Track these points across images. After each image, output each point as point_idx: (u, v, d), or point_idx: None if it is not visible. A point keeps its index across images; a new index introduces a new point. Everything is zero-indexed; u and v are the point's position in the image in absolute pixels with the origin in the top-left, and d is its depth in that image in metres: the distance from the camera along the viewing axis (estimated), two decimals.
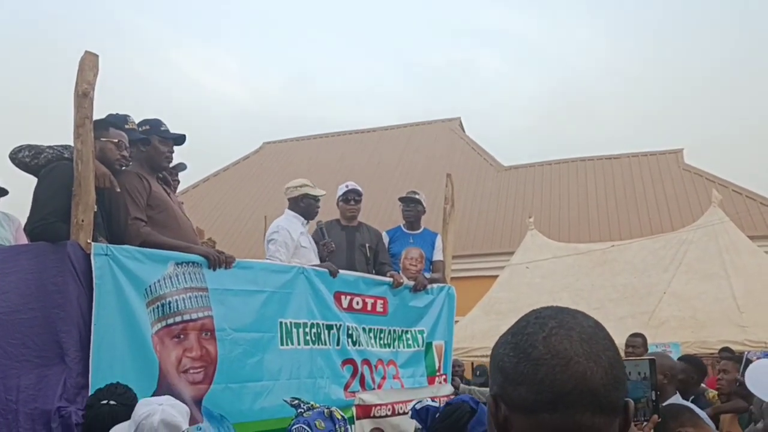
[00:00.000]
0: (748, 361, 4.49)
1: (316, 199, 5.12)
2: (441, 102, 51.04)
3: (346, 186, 5.50)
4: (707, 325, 8.18)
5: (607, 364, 0.91)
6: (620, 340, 6.75)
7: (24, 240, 3.96)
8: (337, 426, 2.83)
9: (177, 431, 2.43)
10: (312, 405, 2.98)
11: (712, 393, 5.67)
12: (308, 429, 2.77)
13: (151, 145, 3.86)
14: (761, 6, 47.39)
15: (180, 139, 4.00)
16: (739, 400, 4.79)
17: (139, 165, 3.87)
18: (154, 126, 3.91)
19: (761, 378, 1.86)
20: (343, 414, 3.02)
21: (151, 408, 2.49)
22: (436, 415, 3.37)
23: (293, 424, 2.85)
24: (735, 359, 5.53)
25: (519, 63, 56.81)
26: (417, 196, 5.82)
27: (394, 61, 58.84)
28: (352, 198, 5.44)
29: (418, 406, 3.50)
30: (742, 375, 4.46)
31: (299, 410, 2.94)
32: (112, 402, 2.58)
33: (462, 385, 6.21)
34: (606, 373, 0.90)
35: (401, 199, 5.90)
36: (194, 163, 5.15)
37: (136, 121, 3.90)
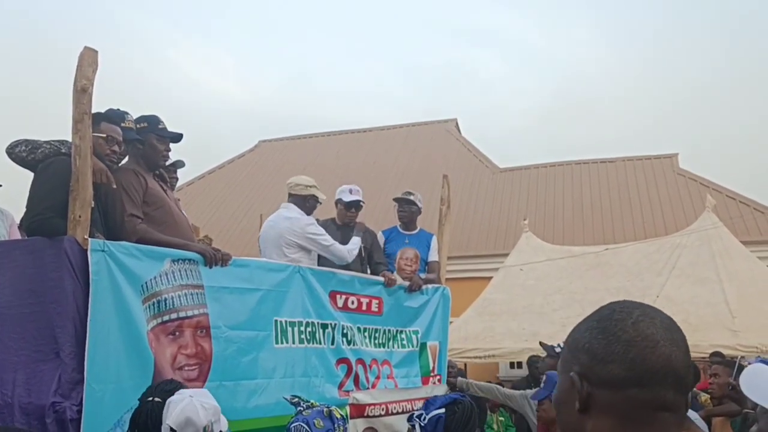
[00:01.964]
0: (741, 367, 4.53)
1: (319, 202, 5.13)
2: (438, 103, 51.07)
3: (351, 192, 5.46)
4: (700, 329, 8.22)
5: (685, 351, 1.03)
6: None
7: (18, 235, 3.96)
8: (336, 425, 2.83)
9: (191, 425, 2.44)
10: (312, 403, 2.98)
11: (704, 396, 5.71)
12: (307, 427, 2.77)
13: (148, 143, 3.86)
14: (758, 13, 47.66)
15: (177, 138, 4.00)
16: (732, 403, 4.83)
17: (136, 162, 3.87)
18: (151, 123, 3.91)
19: (756, 382, 1.88)
20: (342, 413, 3.03)
21: (181, 397, 2.52)
22: (445, 427, 3.30)
23: (292, 422, 2.86)
24: (726, 363, 5.57)
25: (517, 65, 56.93)
26: (411, 197, 5.83)
27: (391, 62, 58.86)
28: (354, 206, 5.45)
29: (424, 422, 3.38)
30: (735, 379, 4.50)
31: (299, 408, 2.94)
32: (157, 399, 2.60)
33: (459, 378, 6.23)
34: (685, 357, 1.03)
35: (396, 200, 5.91)
36: (190, 161, 5.14)
37: (135, 117, 3.89)
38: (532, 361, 7.83)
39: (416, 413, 3.33)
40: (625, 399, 0.99)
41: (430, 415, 3.23)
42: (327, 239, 4.86)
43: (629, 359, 1.00)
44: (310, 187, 5.07)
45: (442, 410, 3.23)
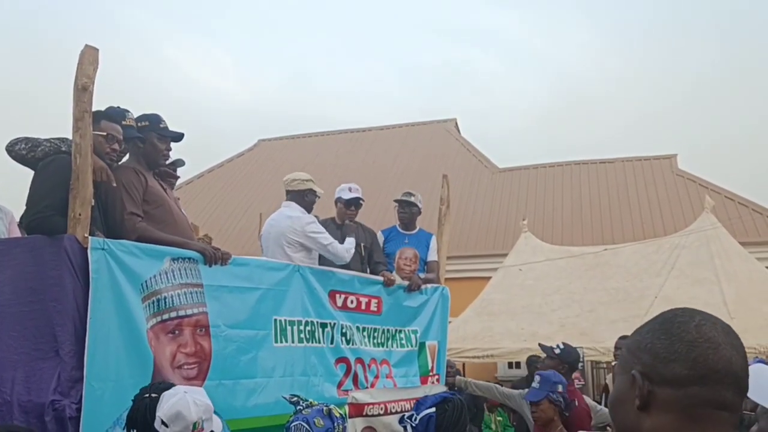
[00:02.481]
0: None
1: (317, 196, 5.12)
2: (437, 103, 51.08)
3: (350, 190, 5.46)
4: None
5: (744, 356, 1.09)
6: (611, 344, 6.79)
7: (17, 233, 3.95)
8: (335, 424, 2.84)
9: (181, 420, 2.45)
10: (311, 402, 2.99)
11: None
12: (307, 426, 2.78)
13: (149, 142, 3.86)
14: (754, 13, 47.69)
15: (178, 137, 4.00)
16: None
17: (136, 160, 3.87)
18: (153, 122, 3.90)
19: (757, 382, 1.88)
20: (341, 412, 3.03)
21: (174, 392, 2.53)
22: (437, 426, 3.32)
23: (292, 421, 2.86)
24: None
25: (516, 66, 56.95)
26: (412, 198, 5.83)
27: (390, 62, 58.85)
28: (353, 204, 5.45)
29: (415, 422, 3.40)
30: None
31: (298, 407, 2.94)
32: (153, 395, 2.61)
33: (458, 377, 6.24)
34: (743, 362, 1.09)
35: (397, 201, 5.91)
36: (189, 159, 5.14)
37: (136, 116, 3.89)
38: (532, 360, 7.84)
39: (407, 414, 3.35)
40: (687, 396, 1.04)
41: (421, 415, 3.25)
42: (326, 238, 4.86)
43: (692, 358, 1.05)
44: (307, 181, 5.05)
45: (433, 409, 3.25)
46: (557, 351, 4.89)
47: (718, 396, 1.04)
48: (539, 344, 5.37)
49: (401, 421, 3.34)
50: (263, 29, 61.05)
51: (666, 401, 1.05)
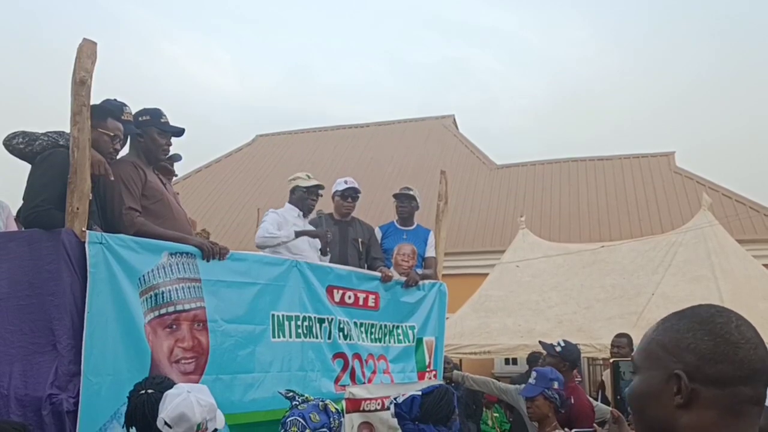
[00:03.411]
0: None
1: (307, 190, 5.14)
2: (435, 99, 51.03)
3: (345, 182, 5.49)
4: None
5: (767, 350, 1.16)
6: (608, 341, 6.80)
7: (14, 227, 3.94)
8: (331, 419, 2.84)
9: (185, 421, 2.45)
10: (307, 398, 2.99)
11: None
12: (303, 421, 2.78)
13: (149, 137, 3.85)
14: (752, 12, 47.67)
15: (179, 132, 3.98)
16: None
17: (136, 154, 3.86)
18: (154, 117, 3.88)
19: None
20: (337, 407, 3.03)
21: (178, 391, 2.53)
22: (421, 405, 3.41)
23: (288, 416, 2.86)
24: None
25: (514, 63, 56.88)
26: (411, 192, 5.83)
27: (389, 58, 58.76)
28: (349, 195, 5.45)
29: (399, 400, 3.53)
30: None
31: (294, 402, 2.95)
32: (150, 390, 2.61)
33: (455, 372, 6.25)
34: None
35: (396, 196, 5.91)
36: (186, 154, 5.14)
37: (137, 110, 3.88)
38: (534, 357, 7.85)
39: (394, 395, 3.44)
40: (732, 395, 1.11)
41: (406, 396, 3.34)
42: (261, 230, 4.95)
43: (738, 359, 1.11)
44: (294, 179, 5.19)
45: (419, 392, 3.34)
46: (558, 349, 4.90)
47: (756, 393, 1.11)
48: (540, 342, 5.38)
49: (389, 403, 3.42)
50: (261, 25, 60.90)
51: (709, 399, 1.11)
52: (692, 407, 1.11)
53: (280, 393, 3.15)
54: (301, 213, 5.17)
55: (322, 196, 5.36)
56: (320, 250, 5.02)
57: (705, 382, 1.11)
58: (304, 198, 5.15)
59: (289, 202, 5.21)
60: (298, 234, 4.94)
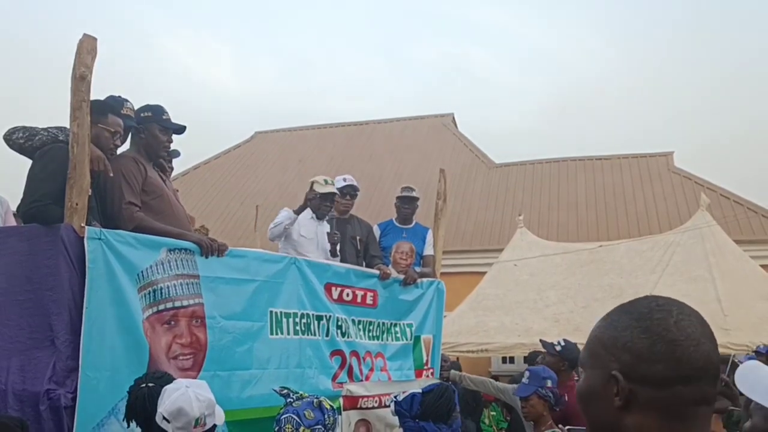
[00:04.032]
0: (735, 365, 4.53)
1: (322, 196, 5.15)
2: (435, 98, 51.04)
3: (344, 180, 5.51)
4: None
5: (717, 346, 1.08)
6: None
7: (12, 222, 3.95)
8: (326, 416, 2.84)
9: (183, 416, 2.45)
10: (301, 395, 2.99)
11: None
12: (297, 418, 2.78)
13: (151, 133, 3.84)
14: (755, 15, 47.70)
15: (180, 130, 3.98)
16: (724, 399, 4.85)
17: (136, 150, 3.86)
18: (155, 113, 3.87)
19: (751, 379, 1.90)
20: (332, 404, 3.04)
21: (176, 386, 2.53)
22: (421, 402, 3.43)
23: (282, 414, 2.86)
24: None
25: (514, 62, 56.88)
26: (414, 194, 5.86)
27: (388, 56, 58.72)
28: (348, 193, 5.46)
29: (400, 397, 3.53)
30: (728, 375, 4.52)
31: (288, 400, 2.95)
32: (150, 384, 2.61)
33: (453, 371, 6.26)
34: (718, 353, 1.08)
35: (399, 198, 5.92)
36: (185, 151, 5.15)
37: (139, 106, 3.87)
38: (533, 356, 7.85)
39: (394, 393, 3.46)
40: (670, 396, 1.03)
41: (407, 393, 3.36)
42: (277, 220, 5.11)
43: (675, 359, 1.03)
44: (312, 181, 5.26)
45: (419, 390, 3.37)
46: (558, 348, 4.89)
47: (699, 392, 1.04)
48: (540, 340, 5.37)
49: (390, 401, 3.45)
50: (261, 21, 60.82)
51: (648, 401, 1.04)
52: (632, 409, 1.05)
53: (275, 390, 3.15)
54: (313, 215, 5.19)
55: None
56: (330, 252, 5.08)
57: (642, 382, 1.04)
58: (317, 204, 5.16)
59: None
60: (297, 212, 5.11)
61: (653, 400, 1.03)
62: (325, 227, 5.23)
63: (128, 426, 2.76)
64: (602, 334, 1.11)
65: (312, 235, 5.06)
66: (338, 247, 5.18)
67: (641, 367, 1.04)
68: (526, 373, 4.17)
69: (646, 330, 1.05)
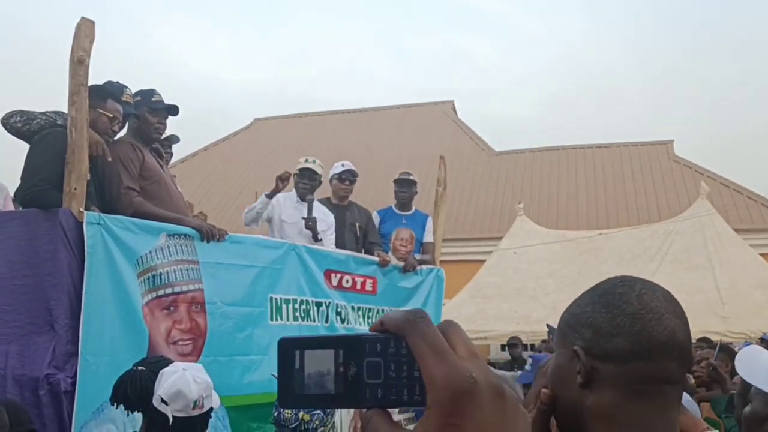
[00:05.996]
0: (726, 349, 4.53)
1: (299, 173, 5.14)
2: (435, 85, 50.86)
3: (342, 165, 5.48)
4: (690, 314, 7.91)
5: (686, 323, 1.03)
6: None
7: (11, 207, 3.93)
8: None
9: (182, 398, 2.44)
10: None
11: (692, 380, 5.76)
12: None
13: (141, 116, 3.82)
14: (757, 8, 47.45)
15: (172, 110, 3.95)
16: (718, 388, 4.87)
17: (133, 135, 3.84)
18: (145, 97, 3.86)
19: (752, 364, 1.89)
20: None
21: (174, 369, 2.52)
22: None
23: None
24: (713, 347, 5.62)
25: (515, 50, 56.64)
26: (411, 178, 5.83)
27: (389, 43, 58.44)
28: (347, 178, 5.44)
29: None
30: (715, 360, 4.53)
31: None
32: (141, 367, 2.59)
33: None
34: (687, 331, 1.03)
35: (396, 181, 5.89)
36: (184, 137, 5.12)
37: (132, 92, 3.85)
38: (512, 343, 7.86)
39: None
40: (631, 372, 0.98)
41: None
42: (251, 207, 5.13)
43: (635, 332, 0.98)
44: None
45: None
46: None
47: (663, 370, 0.98)
48: (547, 324, 5.36)
49: None
50: (260, 8, 60.47)
51: (609, 378, 0.98)
52: (594, 387, 0.99)
53: (274, 376, 3.15)
54: (298, 198, 5.15)
55: (320, 182, 5.32)
56: (312, 237, 4.96)
57: (604, 358, 0.99)
58: (296, 181, 5.14)
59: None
60: (269, 195, 5.05)
61: (614, 378, 0.98)
62: (303, 212, 5.11)
63: (115, 407, 2.71)
64: (567, 315, 1.08)
65: (294, 219, 5.01)
66: (328, 233, 5.02)
67: (601, 342, 0.99)
68: (529, 360, 4.18)
69: (606, 305, 1.01)
